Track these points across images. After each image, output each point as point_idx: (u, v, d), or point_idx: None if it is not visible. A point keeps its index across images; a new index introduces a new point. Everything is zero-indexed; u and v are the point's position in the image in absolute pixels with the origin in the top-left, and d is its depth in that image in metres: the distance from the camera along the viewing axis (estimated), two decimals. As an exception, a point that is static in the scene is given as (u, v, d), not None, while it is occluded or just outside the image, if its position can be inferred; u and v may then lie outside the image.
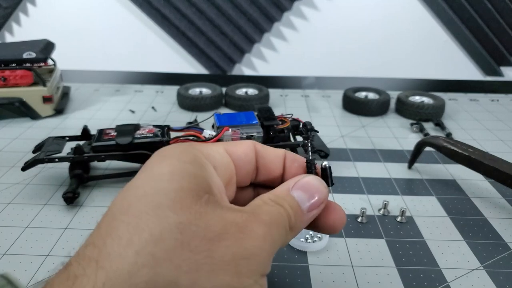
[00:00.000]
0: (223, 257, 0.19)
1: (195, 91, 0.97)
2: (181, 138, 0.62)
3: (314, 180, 0.27)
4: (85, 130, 0.67)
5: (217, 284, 0.19)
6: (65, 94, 0.98)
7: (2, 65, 0.84)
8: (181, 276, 0.18)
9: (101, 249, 0.19)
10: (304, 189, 0.26)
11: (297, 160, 0.29)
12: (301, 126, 0.32)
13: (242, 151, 0.27)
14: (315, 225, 0.28)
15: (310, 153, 0.29)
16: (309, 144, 0.29)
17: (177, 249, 0.19)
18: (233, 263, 0.19)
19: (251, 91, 0.98)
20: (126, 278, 0.18)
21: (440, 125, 0.86)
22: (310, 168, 0.29)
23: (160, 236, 0.19)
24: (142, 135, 0.63)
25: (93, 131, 0.67)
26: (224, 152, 0.26)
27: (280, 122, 0.64)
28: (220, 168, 0.26)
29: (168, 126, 0.66)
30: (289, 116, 0.67)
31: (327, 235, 0.50)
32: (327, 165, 0.28)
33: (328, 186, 0.28)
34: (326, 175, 0.28)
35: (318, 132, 0.31)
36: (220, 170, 0.26)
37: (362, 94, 0.96)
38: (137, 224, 0.19)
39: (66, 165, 0.63)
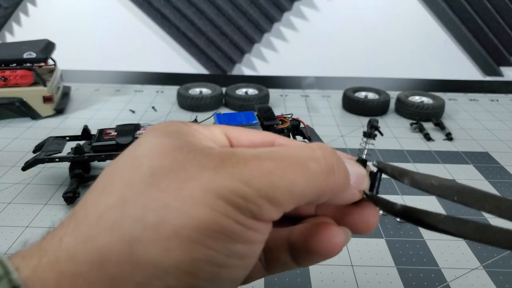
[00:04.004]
0: (193, 194, 0.18)
1: (195, 91, 0.97)
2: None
3: (359, 168, 0.23)
4: (85, 130, 0.67)
5: (186, 221, 0.18)
6: (66, 94, 0.98)
7: (3, 65, 0.84)
8: (148, 214, 0.18)
9: (80, 203, 0.20)
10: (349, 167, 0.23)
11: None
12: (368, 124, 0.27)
13: (248, 138, 0.25)
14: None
15: (365, 152, 0.25)
16: (367, 144, 0.25)
17: (146, 190, 0.19)
18: (204, 200, 0.18)
19: (251, 91, 0.98)
20: (95, 220, 0.18)
21: (439, 125, 0.86)
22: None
23: (130, 180, 0.19)
24: (142, 135, 0.63)
25: (93, 131, 0.67)
26: (220, 134, 0.24)
27: (280, 122, 0.64)
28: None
29: (168, 126, 0.66)
30: (289, 116, 0.67)
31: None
32: (378, 172, 0.24)
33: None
34: (373, 182, 0.24)
35: (383, 135, 0.27)
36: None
37: (362, 94, 0.96)
38: (112, 174, 0.20)
39: (66, 165, 0.63)
